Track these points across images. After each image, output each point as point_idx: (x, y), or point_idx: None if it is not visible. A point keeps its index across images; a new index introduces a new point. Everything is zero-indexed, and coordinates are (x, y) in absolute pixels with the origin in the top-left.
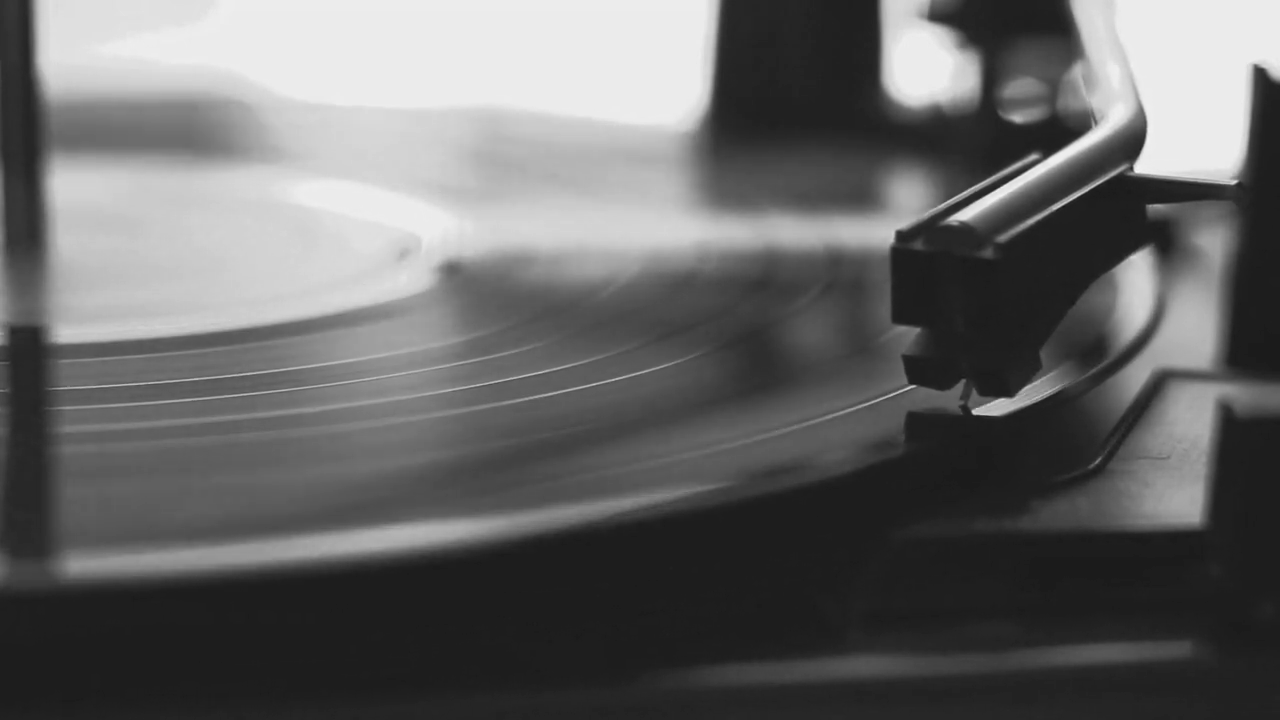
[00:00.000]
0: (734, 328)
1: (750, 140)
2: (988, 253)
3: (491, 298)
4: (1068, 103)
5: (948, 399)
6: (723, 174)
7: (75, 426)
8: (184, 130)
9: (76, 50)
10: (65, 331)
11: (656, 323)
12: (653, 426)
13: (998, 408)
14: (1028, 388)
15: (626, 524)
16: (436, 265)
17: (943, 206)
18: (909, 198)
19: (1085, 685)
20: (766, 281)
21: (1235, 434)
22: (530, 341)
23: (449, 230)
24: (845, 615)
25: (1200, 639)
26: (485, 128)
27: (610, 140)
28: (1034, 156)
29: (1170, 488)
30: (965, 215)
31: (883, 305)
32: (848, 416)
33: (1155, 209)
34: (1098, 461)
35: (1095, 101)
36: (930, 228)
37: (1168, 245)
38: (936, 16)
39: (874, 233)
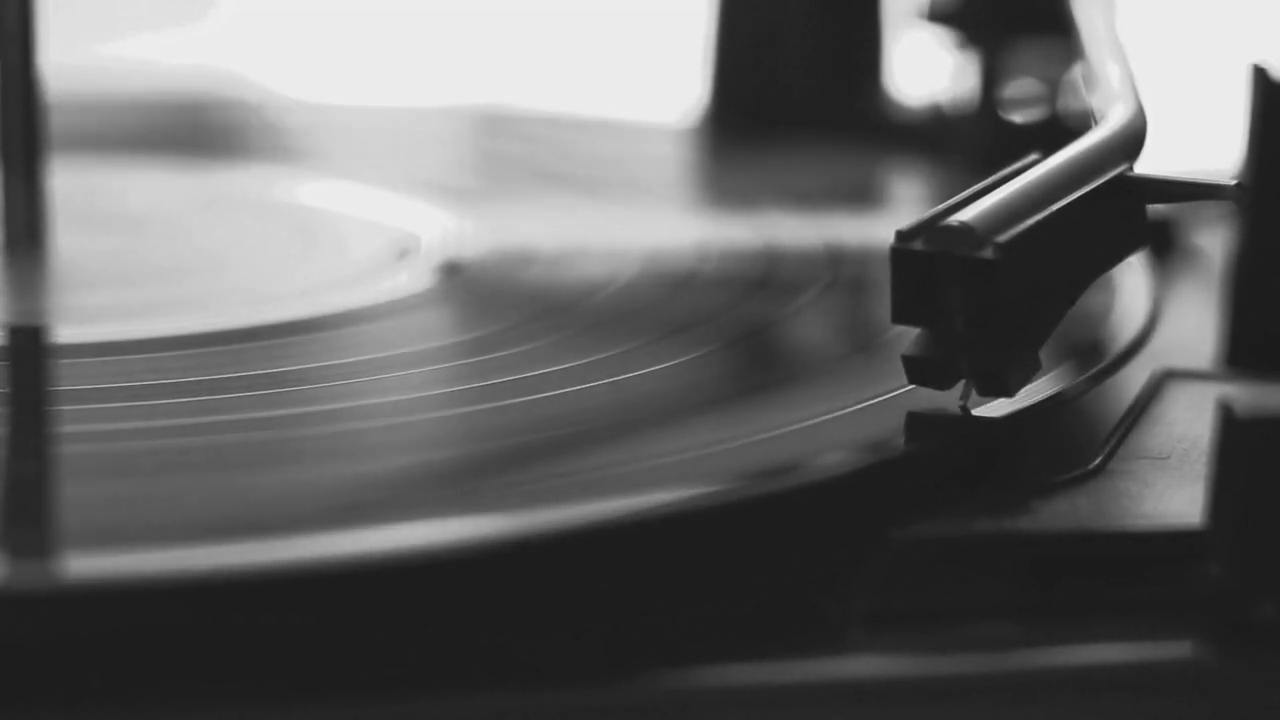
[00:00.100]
0: (734, 327)
1: (750, 140)
2: (987, 253)
3: (491, 298)
4: (1068, 103)
5: (947, 399)
6: (723, 173)
7: (75, 426)
8: (184, 130)
9: (76, 50)
10: (65, 331)
11: (656, 322)
12: (653, 426)
13: (997, 408)
14: (1027, 388)
15: (626, 524)
16: (436, 265)
17: (943, 206)
18: (909, 197)
19: (1085, 685)
20: (766, 281)
21: (1235, 434)
22: (530, 341)
23: (449, 230)
24: (845, 615)
25: (1200, 639)
26: (485, 127)
27: (610, 140)
28: (1034, 156)
29: (1170, 488)
30: (965, 215)
31: (882, 305)
32: (847, 416)
33: (1155, 209)
34: (1098, 461)
35: (1095, 101)
36: (930, 228)
37: (1167, 245)
38: (936, 16)
39: (874, 232)
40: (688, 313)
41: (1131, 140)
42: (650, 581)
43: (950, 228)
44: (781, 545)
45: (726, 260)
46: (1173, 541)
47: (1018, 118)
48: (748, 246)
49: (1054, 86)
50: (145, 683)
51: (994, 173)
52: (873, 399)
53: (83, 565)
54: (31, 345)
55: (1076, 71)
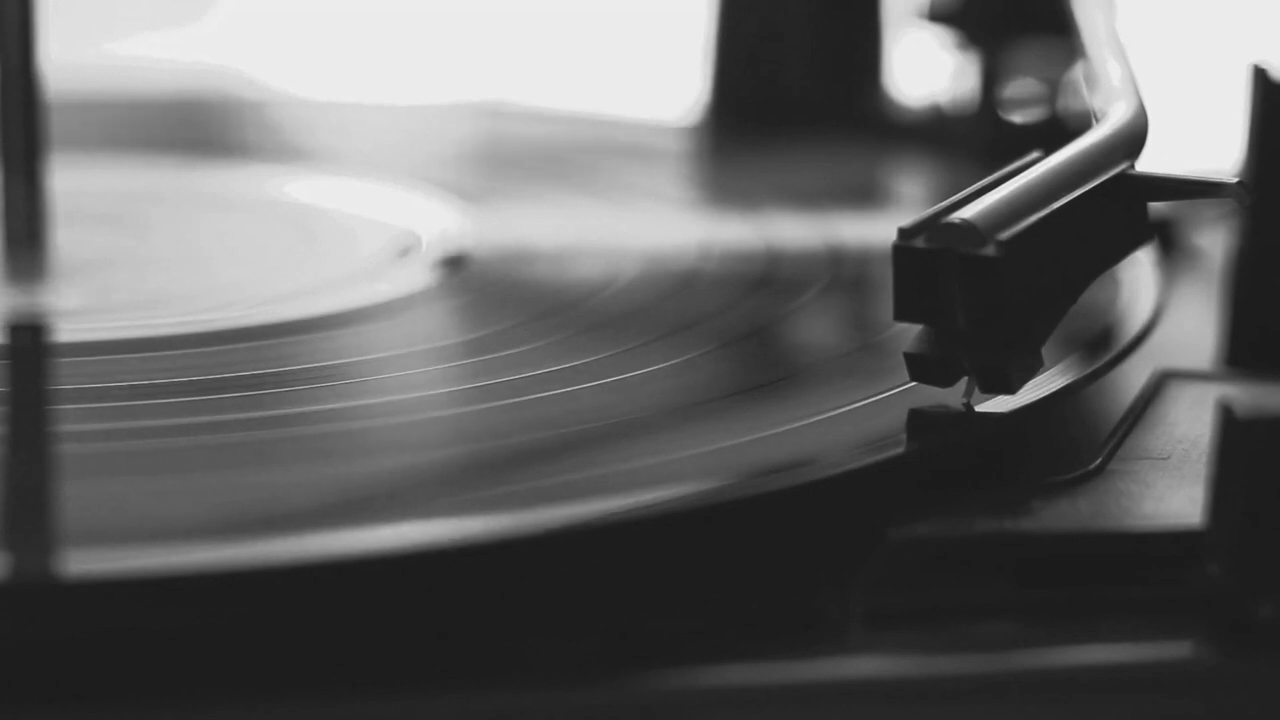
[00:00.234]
0: (735, 326)
1: (751, 139)
2: (989, 250)
3: (492, 296)
4: (1068, 103)
5: (949, 396)
6: (723, 172)
7: (75, 425)
8: (185, 129)
9: (76, 50)
10: (65, 330)
11: (657, 321)
12: (653, 425)
13: (1000, 405)
14: (1029, 385)
15: (626, 523)
16: (438, 263)
17: (945, 204)
18: (909, 197)
19: (1085, 685)
20: (767, 280)
21: (1235, 434)
22: (531, 340)
23: (450, 228)
24: (845, 615)
25: (1200, 639)
26: (487, 125)
27: (612, 138)
28: (1036, 154)
29: (1170, 488)
30: (967, 212)
31: (884, 304)
32: (849, 414)
33: (1155, 208)
34: (1098, 461)
35: (1096, 100)
36: (932, 225)
37: (1168, 245)
38: (936, 16)
39: (874, 231)
40: (689, 312)
41: (1133, 138)
42: (650, 581)
43: (952, 225)
44: (782, 544)
45: (727, 259)
46: (1173, 541)
47: (1018, 118)
48: (748, 245)
49: (1054, 86)
50: (145, 680)
51: (995, 171)
52: (874, 396)
53: (82, 563)
54: (31, 344)
55: (1077, 71)
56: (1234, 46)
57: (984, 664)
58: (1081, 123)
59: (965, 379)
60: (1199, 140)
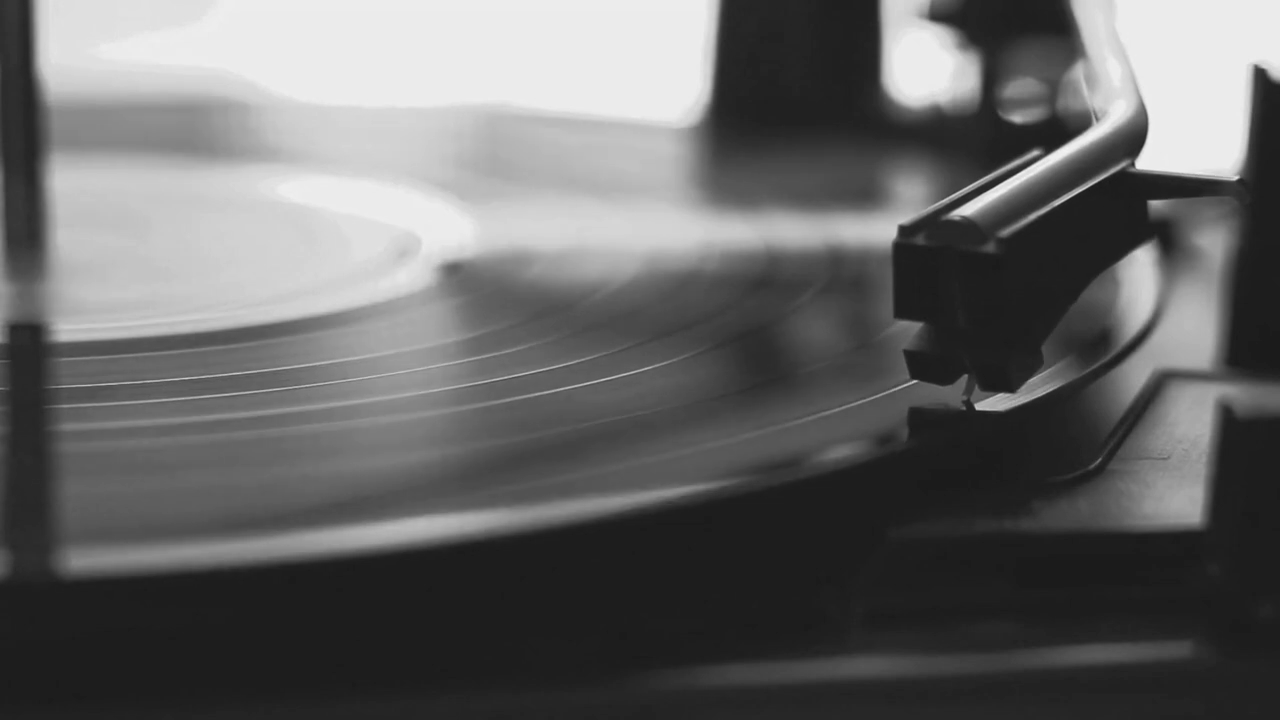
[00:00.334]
0: (735, 326)
1: (751, 139)
2: (990, 248)
3: (492, 297)
4: (1068, 103)
5: (950, 395)
6: (723, 172)
7: (75, 424)
8: (184, 131)
9: (76, 51)
10: (65, 330)
11: (657, 321)
12: (653, 424)
13: (1000, 403)
14: (1030, 383)
15: (626, 522)
16: (436, 264)
17: (945, 201)
18: (909, 197)
19: (1085, 685)
20: (767, 279)
21: (1235, 434)
22: (531, 339)
23: (449, 229)
24: (845, 615)
25: (1200, 639)
26: (485, 127)
27: (611, 139)
28: (1036, 152)
29: (1170, 488)
30: (968, 210)
31: (884, 302)
32: (850, 412)
33: (1156, 208)
34: (1098, 461)
35: (1096, 99)
36: (932, 223)
37: (1168, 245)
38: (936, 16)
39: (874, 231)
40: (689, 312)
41: (1133, 136)
42: (650, 581)
43: (953, 223)
44: (782, 544)
45: (727, 259)
46: (1173, 541)
47: (1018, 118)
48: (748, 245)
49: (1054, 86)
50: (145, 678)
51: (996, 169)
52: (874, 395)
53: (82, 561)
54: (31, 343)
55: (1077, 71)
56: (1234, 46)
57: (984, 664)
58: (1081, 122)
59: (965, 377)
60: (1199, 140)
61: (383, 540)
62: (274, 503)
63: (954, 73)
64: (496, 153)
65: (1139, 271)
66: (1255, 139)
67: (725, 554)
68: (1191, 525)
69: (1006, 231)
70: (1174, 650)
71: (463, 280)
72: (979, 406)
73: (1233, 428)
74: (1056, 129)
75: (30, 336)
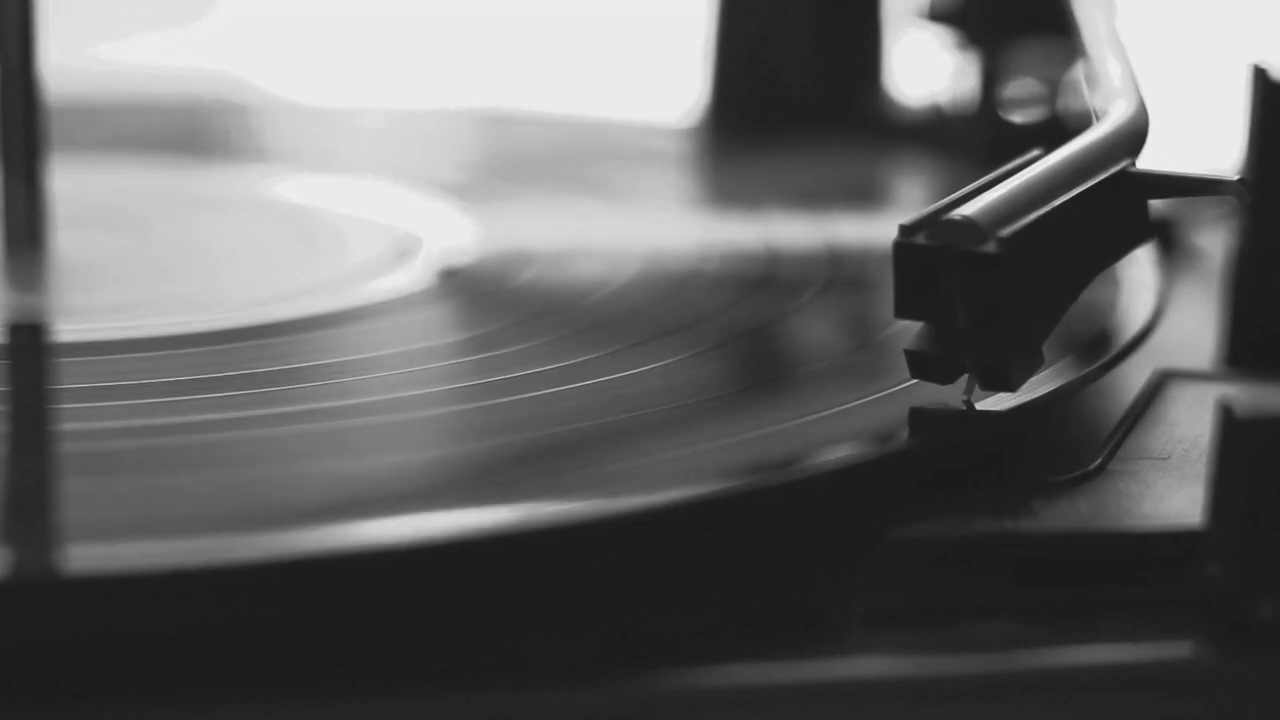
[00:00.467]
0: (735, 326)
1: (751, 139)
2: (990, 247)
3: (491, 297)
4: (1068, 103)
5: (950, 394)
6: (723, 172)
7: (75, 424)
8: (184, 131)
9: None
10: (65, 330)
11: (657, 321)
12: (653, 424)
13: (1000, 403)
14: (1030, 383)
15: (626, 522)
16: (436, 265)
17: (945, 201)
18: (909, 197)
19: (1085, 685)
20: (767, 279)
21: (1235, 434)
22: (531, 339)
23: (449, 230)
24: (845, 615)
25: (1200, 639)
26: (485, 128)
27: (611, 139)
28: (1036, 152)
29: (1170, 488)
30: (968, 210)
31: (884, 301)
32: (849, 412)
33: (1156, 208)
34: (1098, 461)
35: (1096, 100)
36: (933, 222)
37: (1168, 245)
38: (936, 16)
39: (874, 231)
40: (689, 312)
41: (1133, 136)
42: (650, 581)
43: (953, 222)
44: (782, 544)
45: (727, 259)
46: (1173, 541)
47: (1018, 118)
48: (748, 245)
49: (1054, 86)
50: (144, 676)
51: (996, 169)
52: (874, 395)
53: (82, 559)
54: (32, 343)
55: (1077, 71)
56: (1234, 46)
57: (984, 664)
58: (1081, 122)
59: (965, 377)
60: (1199, 140)
61: (383, 539)
62: (274, 502)
63: (954, 73)
64: (497, 153)
65: (1139, 271)
66: (1255, 139)
67: (725, 554)
68: (1191, 525)
69: (1007, 231)
70: (1174, 650)
71: (462, 280)
72: (979, 406)
73: (1233, 428)
74: (1056, 129)
75: (30, 336)
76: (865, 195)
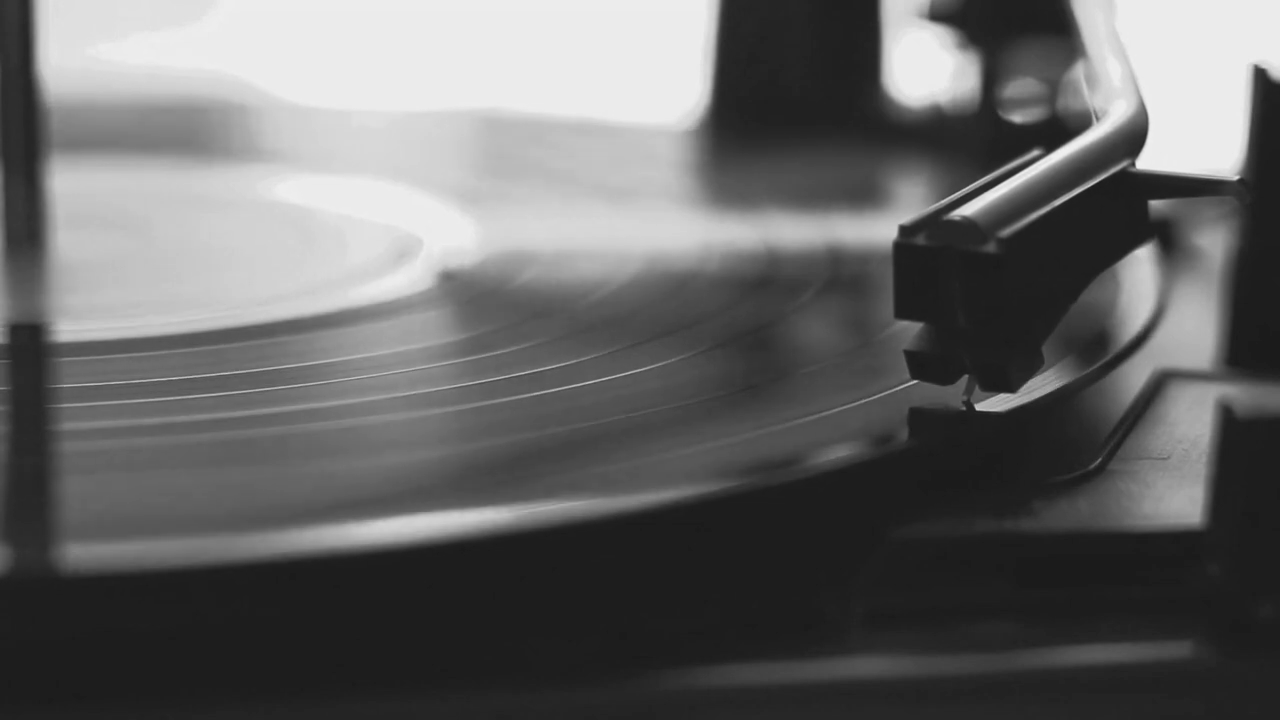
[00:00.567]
0: (735, 326)
1: (750, 139)
2: (990, 247)
3: (491, 298)
4: (1068, 103)
5: (950, 395)
6: (723, 172)
7: (75, 423)
8: (184, 133)
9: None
10: (65, 330)
11: (657, 321)
12: (653, 424)
13: (1000, 403)
14: (1030, 383)
15: (626, 522)
16: (436, 265)
17: (945, 201)
18: (909, 197)
19: (1085, 685)
20: (767, 279)
21: (1235, 434)
22: (530, 339)
23: (449, 230)
24: (845, 615)
25: (1200, 639)
26: (485, 129)
27: (610, 140)
28: (1036, 152)
29: (1170, 488)
30: (968, 210)
31: (884, 302)
32: (850, 412)
33: (1156, 208)
34: (1098, 461)
35: (1096, 100)
36: (933, 222)
37: (1168, 245)
38: (936, 16)
39: (874, 231)
40: (689, 312)
41: (1133, 136)
42: (650, 581)
43: (953, 222)
44: (782, 544)
45: (727, 259)
46: (1173, 541)
47: (1018, 118)
48: (748, 245)
49: (1054, 86)
50: (144, 675)
51: (996, 169)
52: (874, 395)
53: (82, 558)
54: (32, 343)
55: (1077, 71)
56: (1234, 46)
57: (984, 664)
58: (1081, 122)
59: (966, 377)
60: (1199, 140)
61: (382, 539)
62: (273, 501)
63: (954, 73)
64: (497, 154)
65: (1139, 271)
66: (1255, 139)
67: (725, 554)
68: (1191, 525)
69: (1007, 231)
70: (1174, 650)
71: (462, 280)
72: (979, 407)
73: (1233, 428)
74: (1056, 129)
75: (30, 336)
76: (865, 195)
